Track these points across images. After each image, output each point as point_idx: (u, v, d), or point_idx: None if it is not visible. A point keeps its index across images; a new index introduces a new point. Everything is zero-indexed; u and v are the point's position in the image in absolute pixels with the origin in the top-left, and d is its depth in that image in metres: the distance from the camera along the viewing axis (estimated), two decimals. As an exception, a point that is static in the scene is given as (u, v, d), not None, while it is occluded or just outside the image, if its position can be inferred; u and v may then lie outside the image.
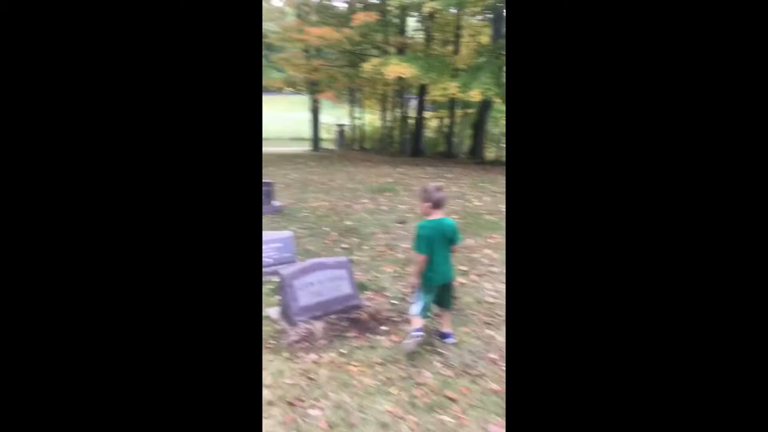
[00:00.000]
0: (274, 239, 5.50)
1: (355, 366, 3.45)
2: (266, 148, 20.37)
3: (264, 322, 4.27)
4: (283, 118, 30.15)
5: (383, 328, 4.08)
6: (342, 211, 8.89)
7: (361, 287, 4.99)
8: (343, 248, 6.55)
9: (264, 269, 5.37)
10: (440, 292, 3.70)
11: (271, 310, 4.42)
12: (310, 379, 3.29)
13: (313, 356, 3.62)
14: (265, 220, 8.21)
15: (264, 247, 5.41)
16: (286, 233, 5.66)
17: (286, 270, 4.25)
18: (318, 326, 3.98)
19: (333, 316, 4.25)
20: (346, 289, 4.43)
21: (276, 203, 8.90)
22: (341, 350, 3.70)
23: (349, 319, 4.23)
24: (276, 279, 5.30)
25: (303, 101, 24.29)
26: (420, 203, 3.61)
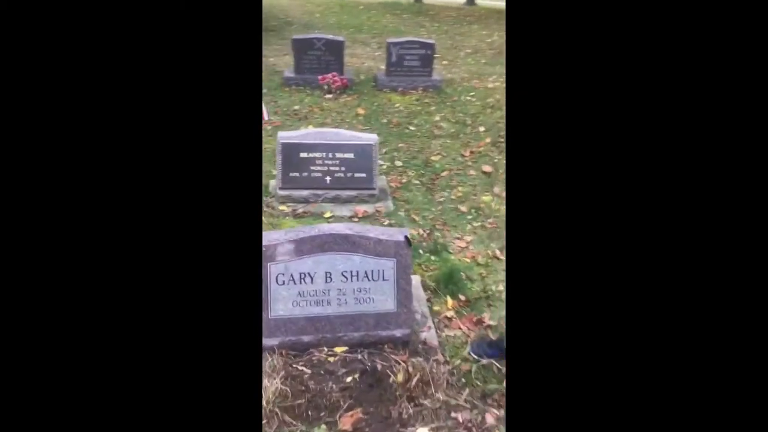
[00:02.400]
0: (343, 143, 3.23)
1: None
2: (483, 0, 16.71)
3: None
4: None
5: (418, 434, 1.72)
6: (525, 103, 5.89)
7: (447, 280, 2.51)
8: (483, 172, 3.94)
9: (313, 192, 3.25)
10: None
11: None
12: None
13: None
14: (405, 100, 5.84)
15: (323, 154, 3.21)
16: (367, 137, 3.31)
17: (267, 236, 2.05)
18: (270, 387, 1.81)
19: (335, 353, 2.02)
20: (385, 301, 2.07)
21: (436, 76, 6.34)
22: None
23: (364, 372, 1.95)
24: (328, 213, 3.16)
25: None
26: None
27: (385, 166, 4.03)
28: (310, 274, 2.01)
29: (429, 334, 2.16)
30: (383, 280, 2.06)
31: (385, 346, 2.07)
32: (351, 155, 3.23)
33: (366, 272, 2.04)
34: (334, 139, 3.24)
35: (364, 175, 3.26)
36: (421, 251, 2.79)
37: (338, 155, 3.21)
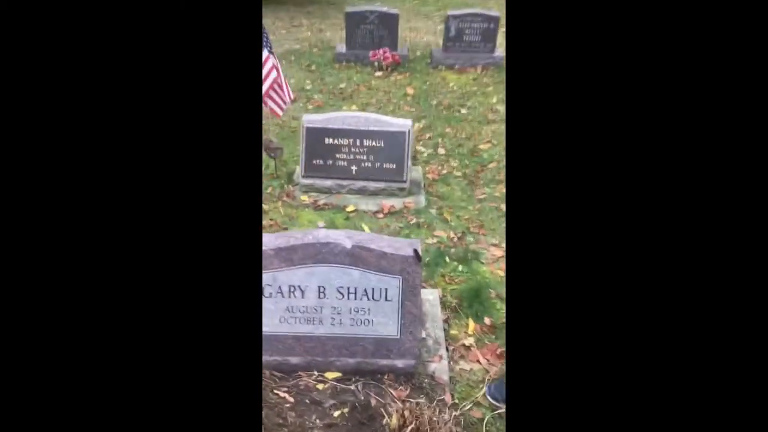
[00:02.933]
0: (373, 130, 2.90)
1: None
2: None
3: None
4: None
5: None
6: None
7: (472, 297, 2.15)
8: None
9: (337, 182, 2.97)
10: None
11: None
12: None
13: None
14: (461, 79, 5.37)
15: (350, 141, 2.90)
16: (400, 123, 2.95)
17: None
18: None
19: (326, 379, 1.75)
20: (387, 325, 1.76)
21: (499, 53, 5.78)
22: None
23: (355, 407, 1.67)
24: (346, 208, 2.87)
25: None
26: None
27: (426, 154, 3.66)
28: (301, 287, 1.73)
29: (439, 366, 1.83)
30: (386, 300, 1.75)
31: (385, 377, 1.78)
32: (381, 143, 2.89)
33: (366, 290, 1.74)
34: (363, 124, 2.91)
35: (394, 166, 2.92)
36: (447, 258, 2.44)
37: (366, 143, 2.89)
